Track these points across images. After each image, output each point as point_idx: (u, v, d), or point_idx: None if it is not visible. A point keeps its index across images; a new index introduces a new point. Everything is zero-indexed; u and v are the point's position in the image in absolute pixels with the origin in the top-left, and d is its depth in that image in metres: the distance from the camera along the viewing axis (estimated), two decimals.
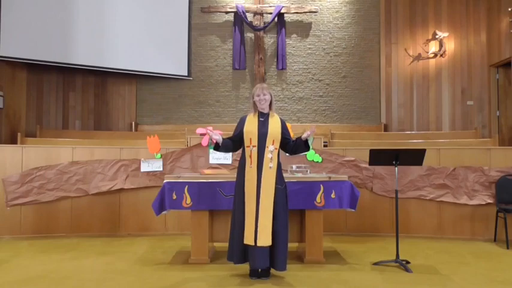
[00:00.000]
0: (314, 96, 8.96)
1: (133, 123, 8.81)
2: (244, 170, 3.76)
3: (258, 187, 3.69)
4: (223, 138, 3.86)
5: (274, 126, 3.79)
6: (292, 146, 3.90)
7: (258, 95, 3.80)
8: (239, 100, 8.98)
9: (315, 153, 5.78)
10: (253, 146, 3.74)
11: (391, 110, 8.85)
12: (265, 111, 3.85)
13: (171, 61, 8.80)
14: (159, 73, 8.75)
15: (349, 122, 8.91)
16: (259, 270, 3.75)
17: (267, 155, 3.73)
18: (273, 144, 3.75)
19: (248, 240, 3.66)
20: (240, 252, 3.76)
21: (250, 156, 3.75)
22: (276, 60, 8.93)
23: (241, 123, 3.87)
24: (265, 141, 3.74)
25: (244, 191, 3.73)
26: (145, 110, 8.94)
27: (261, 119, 3.82)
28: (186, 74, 8.92)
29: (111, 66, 8.47)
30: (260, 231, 3.63)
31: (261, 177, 3.70)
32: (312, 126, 3.83)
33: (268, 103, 3.83)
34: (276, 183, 3.73)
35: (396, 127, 8.79)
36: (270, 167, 3.73)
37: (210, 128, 4.09)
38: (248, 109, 8.61)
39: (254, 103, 3.85)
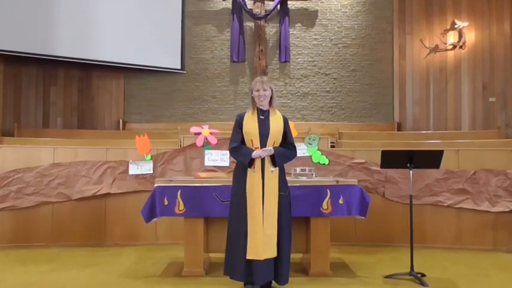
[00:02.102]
0: (320, 91, 8.96)
1: (120, 121, 8.83)
2: (246, 174, 3.73)
3: (262, 193, 3.66)
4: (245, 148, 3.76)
5: (276, 125, 3.75)
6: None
7: (258, 90, 3.75)
8: (237, 96, 8.99)
9: (321, 154, 5.77)
10: (256, 148, 3.72)
11: (405, 107, 8.86)
12: (265, 108, 3.80)
13: (163, 53, 8.80)
14: (150, 66, 8.76)
15: (359, 120, 8.92)
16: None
17: (267, 158, 3.71)
18: (273, 145, 3.74)
19: (254, 254, 3.58)
20: (244, 267, 3.65)
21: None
22: (278, 52, 8.94)
23: (240, 123, 3.80)
24: (266, 142, 3.72)
25: (246, 198, 3.69)
26: (134, 106, 8.96)
27: (261, 117, 3.77)
28: (179, 67, 8.93)
29: (97, 59, 8.48)
30: (266, 242, 3.60)
31: (264, 182, 3.68)
32: (265, 150, 3.70)
33: (268, 99, 3.78)
34: (280, 190, 3.71)
35: (411, 126, 8.79)
36: (272, 171, 3.71)
37: (262, 150, 3.71)
38: (248, 106, 8.70)
39: (253, 99, 3.81)
